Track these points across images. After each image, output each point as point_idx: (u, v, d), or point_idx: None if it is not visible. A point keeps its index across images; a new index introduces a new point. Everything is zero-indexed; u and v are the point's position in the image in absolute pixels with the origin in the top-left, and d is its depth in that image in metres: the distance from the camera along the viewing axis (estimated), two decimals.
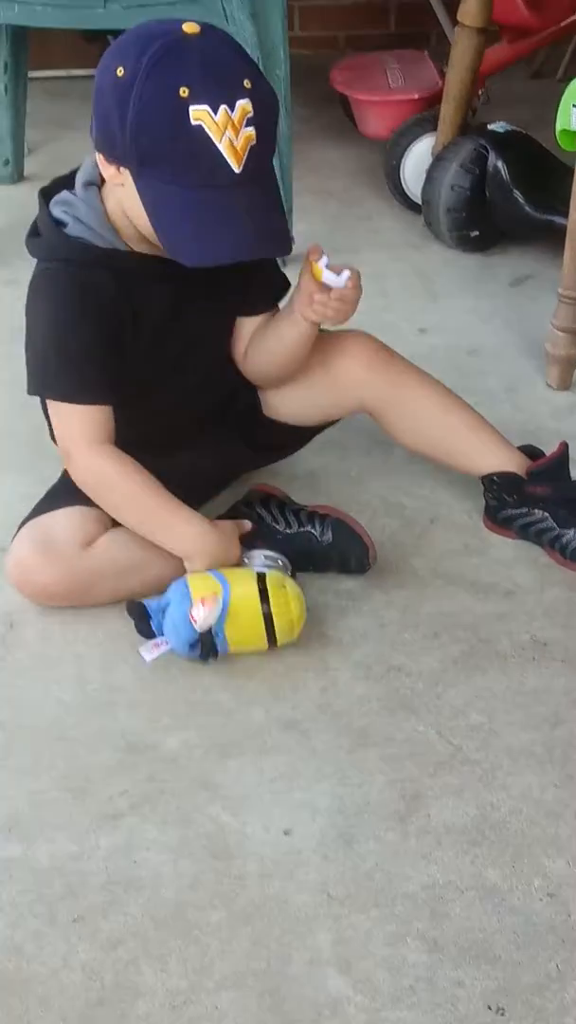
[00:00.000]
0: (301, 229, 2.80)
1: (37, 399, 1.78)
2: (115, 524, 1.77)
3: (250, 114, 1.54)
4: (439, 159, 2.82)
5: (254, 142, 1.55)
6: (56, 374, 1.71)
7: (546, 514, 1.87)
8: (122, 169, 1.60)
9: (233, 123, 1.53)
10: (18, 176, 3.21)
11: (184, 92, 1.51)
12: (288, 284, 1.87)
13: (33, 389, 1.74)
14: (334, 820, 1.49)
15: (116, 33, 3.55)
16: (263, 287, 1.87)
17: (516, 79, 3.56)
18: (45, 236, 1.74)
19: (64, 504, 1.77)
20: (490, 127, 2.80)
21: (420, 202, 2.91)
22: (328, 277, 1.71)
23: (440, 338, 2.53)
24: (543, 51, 3.68)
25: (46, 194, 1.77)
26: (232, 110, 1.52)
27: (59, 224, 1.72)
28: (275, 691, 1.67)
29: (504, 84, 3.31)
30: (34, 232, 1.77)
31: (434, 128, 2.90)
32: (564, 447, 1.90)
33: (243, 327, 1.89)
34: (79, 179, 1.74)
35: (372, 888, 1.41)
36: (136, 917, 1.38)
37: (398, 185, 3.04)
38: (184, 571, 1.72)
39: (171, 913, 1.38)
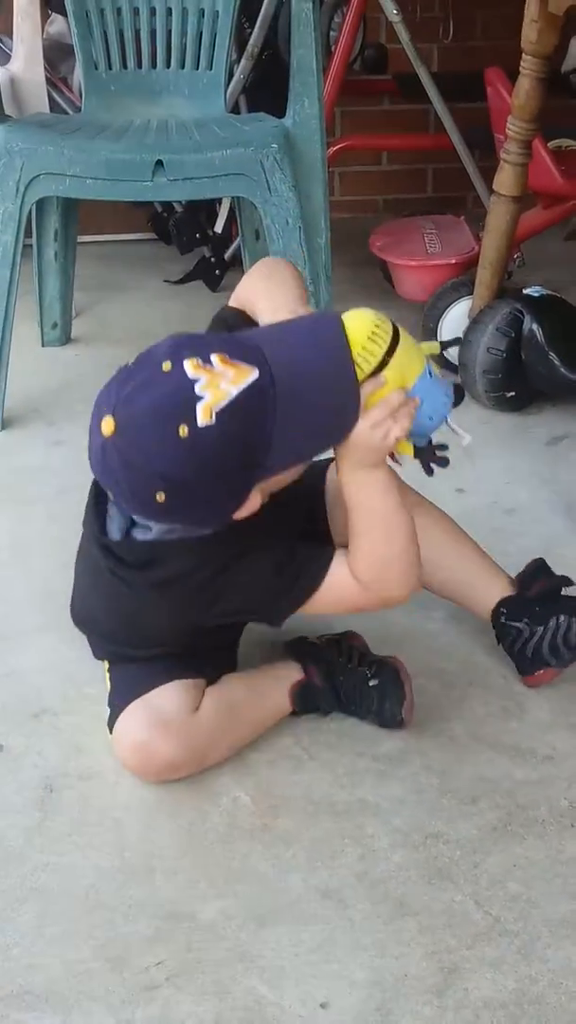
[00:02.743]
0: None
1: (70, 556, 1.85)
2: (209, 683, 1.82)
3: None
4: (475, 322, 2.88)
5: None
6: None
7: (565, 618, 1.93)
8: None
9: None
10: (66, 338, 3.30)
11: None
12: None
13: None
14: (372, 993, 1.48)
15: (163, 203, 3.71)
16: None
17: (551, 241, 3.63)
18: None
19: (162, 681, 1.78)
20: (525, 291, 2.87)
21: (457, 364, 2.96)
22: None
23: (477, 498, 2.56)
24: None
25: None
26: None
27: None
28: (313, 858, 1.67)
29: (539, 246, 3.39)
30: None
31: (470, 292, 2.97)
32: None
33: None
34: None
35: None
36: None
37: None
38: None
39: None
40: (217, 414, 1.52)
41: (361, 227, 3.52)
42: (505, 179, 2.82)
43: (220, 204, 3.63)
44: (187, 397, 1.53)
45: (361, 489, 1.69)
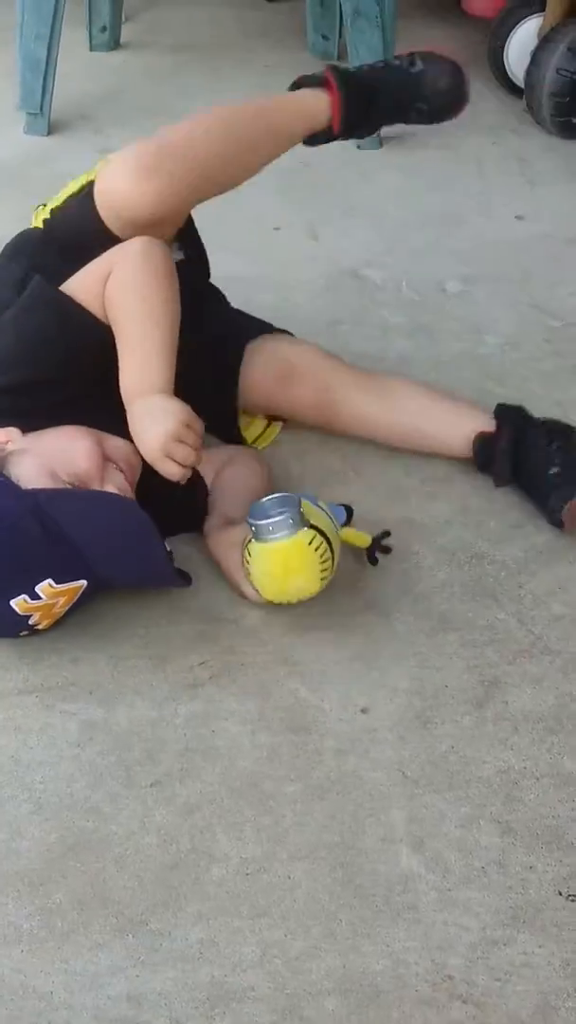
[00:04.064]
0: None
1: None
2: None
3: None
4: (546, 41, 2.74)
5: None
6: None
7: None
8: None
9: None
10: (114, 43, 3.17)
11: None
12: None
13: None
14: (411, 701, 1.50)
15: None
16: None
17: None
18: None
19: None
20: None
21: (523, 85, 2.84)
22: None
23: (537, 226, 2.48)
24: None
25: None
26: None
27: None
28: (356, 572, 1.67)
29: None
30: None
31: (542, 9, 2.82)
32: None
33: None
34: None
35: (447, 770, 1.42)
36: (213, 785, 1.39)
37: (501, 67, 2.97)
38: None
39: (247, 783, 1.40)
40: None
41: None
42: None
43: None
44: (25, 627, 1.50)
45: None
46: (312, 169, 2.67)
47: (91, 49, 3.15)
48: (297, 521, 1.50)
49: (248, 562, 1.55)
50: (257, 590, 1.57)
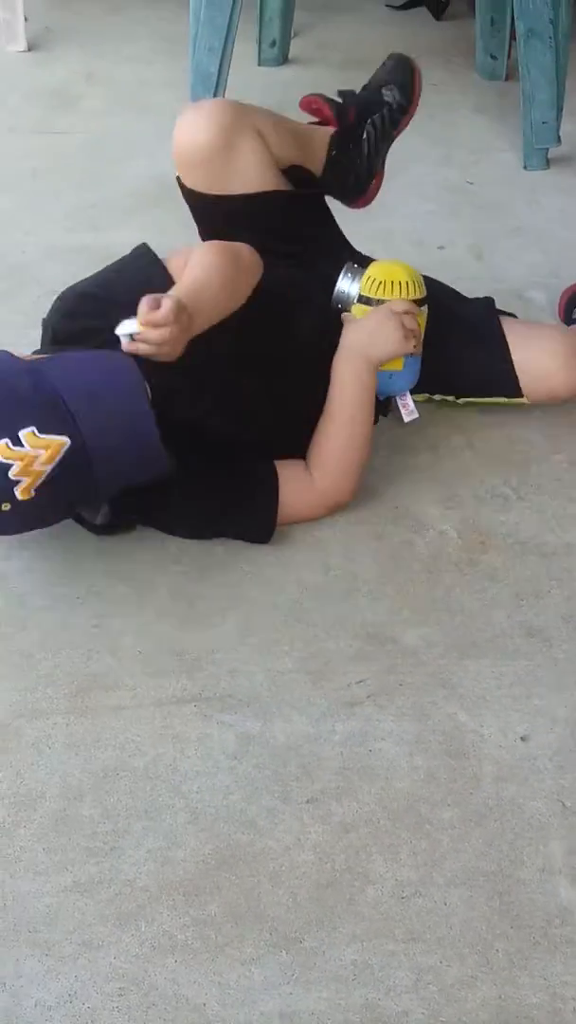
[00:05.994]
0: (570, 129, 2.73)
1: None
2: None
3: None
4: None
5: None
6: None
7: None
8: None
9: None
10: (283, 59, 3.17)
11: None
12: None
13: None
14: (573, 731, 1.47)
15: None
16: None
17: None
18: None
19: None
20: None
21: None
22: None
23: None
24: None
25: None
26: None
27: None
28: (519, 596, 1.64)
29: None
30: None
31: None
32: None
33: None
34: None
35: None
36: (369, 805, 1.38)
37: None
38: None
39: (404, 805, 1.38)
40: (36, 490, 1.48)
41: None
42: None
43: None
44: (3, 485, 1.47)
45: (353, 379, 1.77)
46: (477, 189, 2.65)
47: (259, 64, 3.15)
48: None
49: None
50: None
